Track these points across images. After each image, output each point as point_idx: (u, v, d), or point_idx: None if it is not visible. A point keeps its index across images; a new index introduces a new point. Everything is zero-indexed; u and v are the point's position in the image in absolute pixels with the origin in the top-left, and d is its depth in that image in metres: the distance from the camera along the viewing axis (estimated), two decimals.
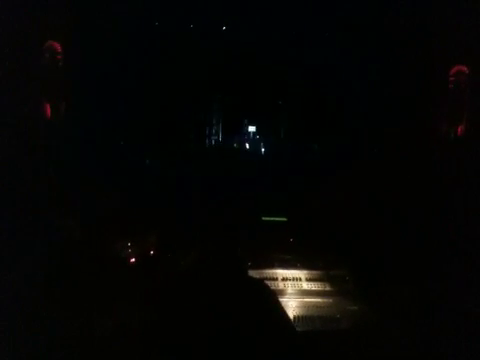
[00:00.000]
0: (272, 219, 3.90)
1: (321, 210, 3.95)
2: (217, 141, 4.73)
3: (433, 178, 3.95)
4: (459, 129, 4.23)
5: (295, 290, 3.44)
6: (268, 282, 3.37)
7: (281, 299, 3.21)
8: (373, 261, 3.55)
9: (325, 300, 3.39)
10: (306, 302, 3.35)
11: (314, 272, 3.57)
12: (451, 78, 4.23)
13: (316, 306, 3.31)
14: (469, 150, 3.94)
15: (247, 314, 2.05)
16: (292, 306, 3.27)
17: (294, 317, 3.14)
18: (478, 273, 3.26)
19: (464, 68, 4.19)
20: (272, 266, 3.58)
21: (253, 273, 3.46)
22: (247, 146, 4.72)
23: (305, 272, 3.55)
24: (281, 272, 3.54)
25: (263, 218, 3.85)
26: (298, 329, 3.02)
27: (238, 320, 2.03)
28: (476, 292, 3.16)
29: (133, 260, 3.52)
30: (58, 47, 4.14)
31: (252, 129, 4.75)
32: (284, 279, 3.49)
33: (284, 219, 3.93)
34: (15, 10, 3.66)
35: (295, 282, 3.48)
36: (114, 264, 3.45)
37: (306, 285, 3.48)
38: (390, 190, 3.99)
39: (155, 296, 2.40)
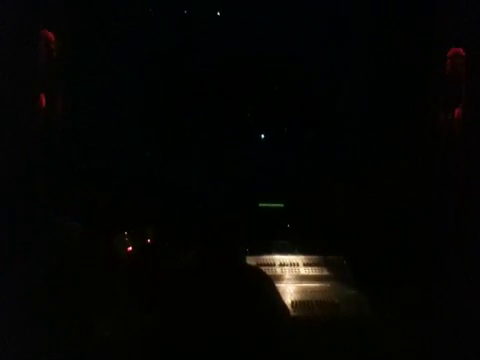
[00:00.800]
0: (269, 205, 3.90)
1: (321, 198, 3.96)
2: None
3: (433, 168, 3.94)
4: (456, 112, 4.21)
5: (293, 275, 3.45)
6: (266, 268, 3.37)
7: (279, 284, 3.22)
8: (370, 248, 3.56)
9: (323, 285, 3.39)
10: (304, 287, 3.35)
11: (311, 257, 3.57)
12: (447, 61, 4.21)
13: (314, 291, 3.31)
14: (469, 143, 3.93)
15: (244, 304, 2.06)
16: (290, 291, 3.28)
17: (292, 302, 3.15)
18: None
19: (460, 51, 4.17)
20: (270, 252, 3.59)
21: (251, 259, 3.46)
22: None
23: (302, 257, 3.56)
24: (279, 258, 3.55)
25: (260, 204, 3.85)
26: (296, 314, 3.05)
27: (235, 311, 2.03)
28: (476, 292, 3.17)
29: (130, 249, 3.53)
30: (52, 37, 4.12)
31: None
32: (282, 265, 3.50)
33: (281, 205, 3.94)
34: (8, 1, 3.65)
35: (293, 267, 3.48)
36: (113, 263, 3.46)
37: (304, 270, 3.49)
38: (388, 179, 3.99)
39: (154, 293, 2.40)
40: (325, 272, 3.50)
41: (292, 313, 2.98)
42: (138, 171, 4.16)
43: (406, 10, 4.19)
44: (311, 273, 3.47)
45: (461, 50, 4.17)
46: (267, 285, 2.24)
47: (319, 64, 4.42)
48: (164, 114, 4.43)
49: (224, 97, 4.44)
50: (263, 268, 3.27)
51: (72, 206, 3.58)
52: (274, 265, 3.50)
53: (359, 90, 4.37)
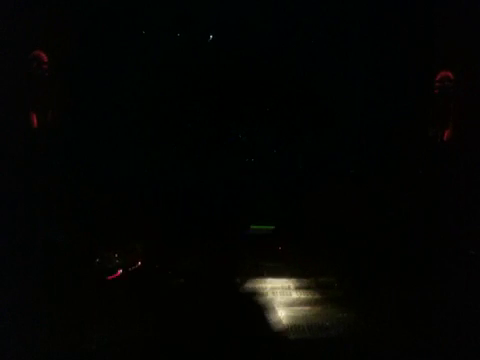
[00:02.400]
0: (260, 227, 3.90)
1: (310, 218, 3.96)
2: None
3: (422, 184, 3.98)
4: (445, 133, 4.27)
5: (284, 299, 3.45)
6: (257, 292, 3.38)
7: (271, 308, 3.24)
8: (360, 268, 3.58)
9: (313, 308, 3.40)
10: (295, 311, 3.35)
11: (302, 280, 3.58)
12: (436, 84, 4.27)
13: (305, 315, 3.32)
14: (456, 153, 4.00)
15: (241, 328, 2.07)
16: (281, 316, 3.28)
17: (283, 327, 3.15)
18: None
19: (449, 74, 4.24)
20: (261, 275, 3.59)
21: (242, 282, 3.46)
22: None
23: (294, 281, 3.57)
24: (270, 281, 3.55)
25: (252, 227, 3.85)
26: (288, 338, 3.05)
27: (232, 334, 2.04)
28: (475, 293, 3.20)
29: (120, 271, 3.52)
30: (44, 57, 4.12)
31: None
32: (273, 289, 3.50)
33: (271, 227, 3.94)
34: (2, 19, 3.66)
35: (284, 291, 3.49)
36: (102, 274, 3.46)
37: (295, 294, 3.49)
38: (379, 197, 4.02)
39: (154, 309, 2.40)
40: (316, 295, 3.51)
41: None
42: (129, 188, 4.13)
43: (395, 34, 4.25)
44: (302, 296, 3.48)
45: (449, 73, 4.24)
46: (262, 312, 2.26)
47: (312, 86, 4.44)
48: (155, 130, 4.42)
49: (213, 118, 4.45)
50: (254, 292, 3.29)
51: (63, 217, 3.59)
52: (265, 289, 3.50)
53: (349, 113, 4.40)
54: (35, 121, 4.14)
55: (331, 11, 4.37)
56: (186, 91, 4.38)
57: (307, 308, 3.39)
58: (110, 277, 3.49)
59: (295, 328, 3.15)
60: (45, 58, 4.09)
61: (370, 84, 4.33)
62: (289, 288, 3.53)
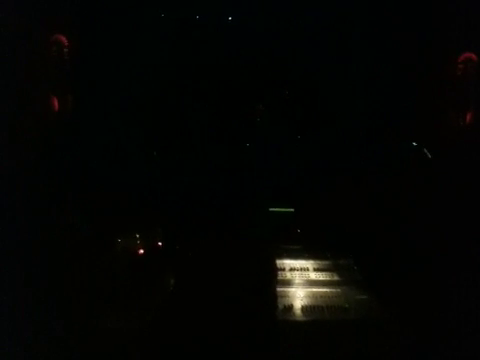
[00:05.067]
0: (279, 210, 3.90)
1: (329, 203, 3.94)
2: None
3: (440, 171, 3.94)
4: (468, 116, 4.21)
5: (303, 280, 3.47)
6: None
7: (289, 289, 3.27)
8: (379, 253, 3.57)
9: (333, 290, 3.41)
10: (314, 292, 3.37)
11: (321, 262, 3.59)
12: (459, 65, 4.20)
13: (324, 296, 3.33)
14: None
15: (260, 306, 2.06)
16: (300, 296, 3.29)
17: (302, 307, 3.17)
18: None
19: (472, 55, 4.17)
20: (280, 256, 3.60)
21: None
22: None
23: (312, 262, 3.58)
24: (289, 262, 3.57)
25: (270, 209, 3.85)
26: (306, 318, 3.08)
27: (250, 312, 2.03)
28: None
29: (142, 252, 3.56)
30: (65, 41, 4.15)
31: None
32: (292, 269, 3.52)
33: (291, 210, 3.93)
34: (22, 4, 3.69)
35: (303, 272, 3.50)
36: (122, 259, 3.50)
37: (314, 275, 3.50)
38: (397, 183, 3.98)
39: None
40: (335, 277, 3.51)
41: (302, 317, 3.03)
42: (147, 172, 4.17)
43: (416, 13, 4.18)
44: (321, 278, 3.49)
45: (473, 55, 4.16)
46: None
47: (329, 66, 4.40)
48: (173, 116, 4.44)
49: (230, 99, 4.45)
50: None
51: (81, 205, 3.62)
52: (284, 270, 3.52)
53: (368, 94, 4.35)
54: (56, 105, 4.18)
55: None
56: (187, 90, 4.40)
57: (325, 289, 3.41)
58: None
59: (314, 308, 3.17)
60: (65, 42, 4.12)
61: (387, 68, 4.29)
62: (308, 269, 3.54)
